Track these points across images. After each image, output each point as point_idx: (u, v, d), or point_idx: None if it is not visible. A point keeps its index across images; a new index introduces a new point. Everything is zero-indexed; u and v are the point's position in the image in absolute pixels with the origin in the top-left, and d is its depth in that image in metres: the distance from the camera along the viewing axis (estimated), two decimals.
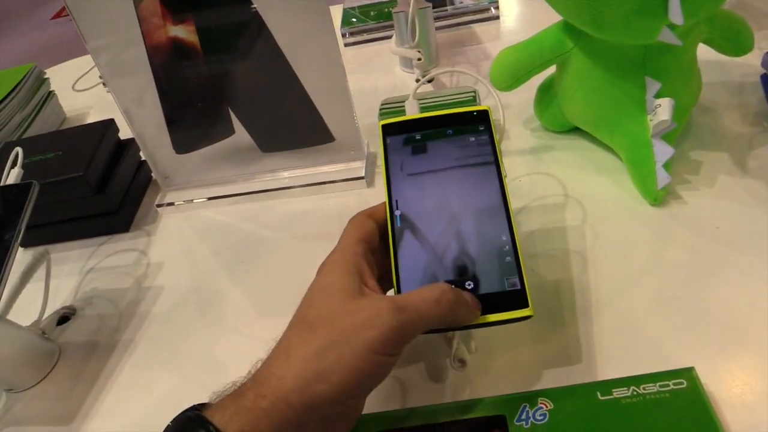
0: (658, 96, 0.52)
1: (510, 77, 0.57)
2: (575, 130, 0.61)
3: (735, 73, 0.65)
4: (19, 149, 0.53)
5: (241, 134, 0.60)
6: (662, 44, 0.48)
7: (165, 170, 0.63)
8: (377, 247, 0.40)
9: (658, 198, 0.52)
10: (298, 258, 0.55)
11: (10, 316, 0.51)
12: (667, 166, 0.52)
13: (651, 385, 0.37)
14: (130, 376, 0.49)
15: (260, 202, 0.62)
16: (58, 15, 3.23)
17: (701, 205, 0.52)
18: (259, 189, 0.62)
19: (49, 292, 0.58)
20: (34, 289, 0.59)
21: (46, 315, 0.54)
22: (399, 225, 0.40)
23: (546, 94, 0.61)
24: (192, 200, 0.63)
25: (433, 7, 0.74)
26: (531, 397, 0.38)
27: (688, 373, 0.37)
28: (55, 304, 0.56)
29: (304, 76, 0.55)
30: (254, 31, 0.53)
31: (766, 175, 0.53)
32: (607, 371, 0.40)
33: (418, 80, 0.69)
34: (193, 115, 0.59)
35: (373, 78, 0.79)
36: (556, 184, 0.57)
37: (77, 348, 0.52)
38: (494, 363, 0.43)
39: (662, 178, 0.51)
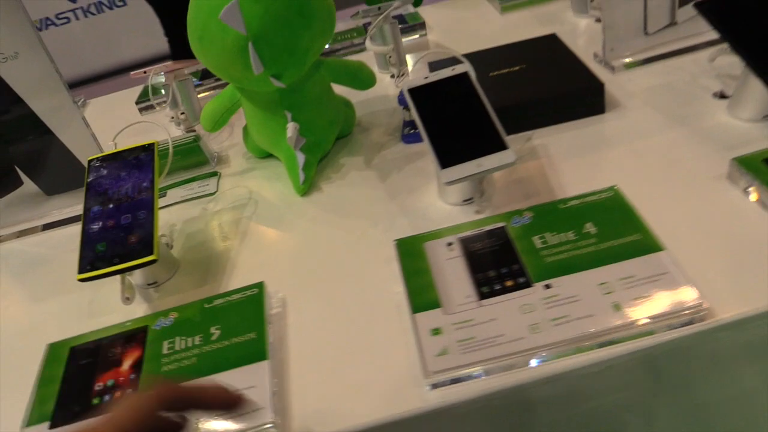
0: (295, 121, 0.76)
1: (210, 122, 0.82)
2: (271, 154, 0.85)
3: (390, 102, 0.91)
4: None
5: (28, 183, 0.83)
6: (290, 87, 0.73)
7: None
8: None
9: (301, 191, 0.76)
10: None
11: None
12: (307, 168, 0.76)
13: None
14: None
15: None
16: None
17: (334, 193, 0.76)
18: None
19: None
20: None
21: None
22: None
23: (246, 131, 0.86)
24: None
25: None
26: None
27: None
28: None
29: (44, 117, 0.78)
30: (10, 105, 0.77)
31: (391, 167, 0.77)
32: None
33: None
34: None
35: None
36: (245, 191, 0.81)
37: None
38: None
39: (301, 177, 0.76)
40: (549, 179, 0.68)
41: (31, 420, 0.54)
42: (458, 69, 0.68)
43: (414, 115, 0.65)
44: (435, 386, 0.49)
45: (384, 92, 0.95)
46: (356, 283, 0.62)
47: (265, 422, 0.49)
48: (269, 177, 0.82)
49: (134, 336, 0.60)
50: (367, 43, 0.97)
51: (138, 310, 0.66)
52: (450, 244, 0.60)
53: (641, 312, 0.50)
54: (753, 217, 0.57)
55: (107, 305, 0.67)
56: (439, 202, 0.69)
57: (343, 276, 0.64)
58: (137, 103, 1.10)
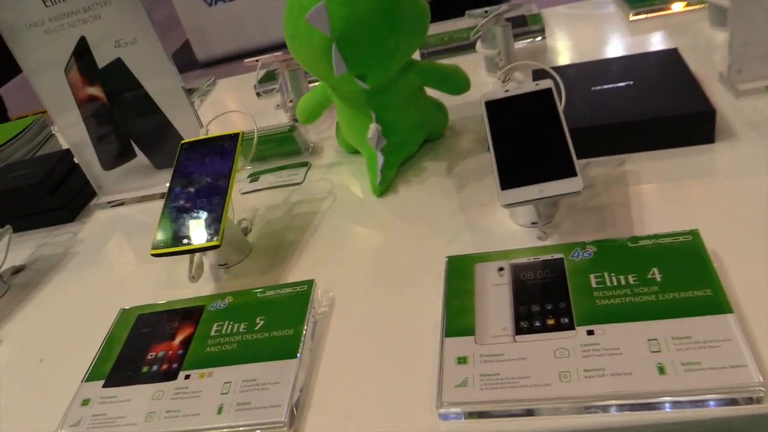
0: (379, 123, 0.76)
1: (304, 114, 0.84)
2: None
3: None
4: None
5: (141, 157, 0.91)
6: (377, 88, 0.74)
7: (98, 182, 0.94)
8: None
9: (377, 191, 0.77)
10: None
11: None
12: (387, 169, 0.76)
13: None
14: None
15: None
16: None
17: (409, 197, 0.76)
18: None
19: None
20: None
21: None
22: None
23: (338, 126, 0.87)
24: (118, 202, 0.94)
25: None
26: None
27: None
28: None
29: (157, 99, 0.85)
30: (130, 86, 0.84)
31: (471, 177, 0.75)
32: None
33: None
34: (109, 143, 0.91)
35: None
36: (329, 185, 0.82)
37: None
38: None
39: (378, 177, 0.76)
40: (631, 210, 0.63)
41: (91, 376, 0.60)
42: (542, 84, 0.64)
43: (487, 129, 0.63)
44: (446, 418, 0.48)
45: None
46: (403, 293, 0.61)
47: (277, 420, 0.50)
48: (354, 173, 0.83)
49: (191, 313, 0.64)
50: (477, 44, 0.95)
51: (205, 288, 0.70)
52: (501, 269, 0.57)
53: (687, 381, 0.44)
54: None
55: (182, 279, 0.72)
56: (508, 220, 0.66)
57: (393, 284, 0.63)
58: (256, 87, 1.16)
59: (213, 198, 0.68)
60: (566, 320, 0.51)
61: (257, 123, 0.76)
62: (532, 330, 0.51)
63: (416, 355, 0.54)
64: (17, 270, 0.86)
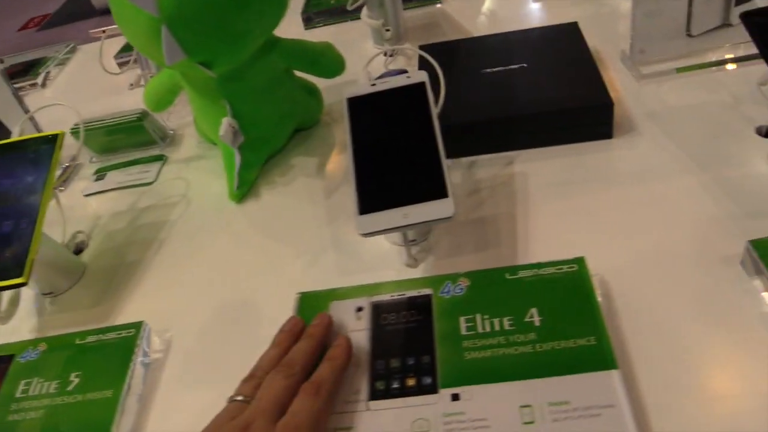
0: (236, 115, 0.65)
1: (153, 102, 0.71)
2: None
3: None
4: None
5: None
6: (230, 74, 0.62)
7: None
8: None
9: (235, 197, 0.65)
10: None
11: None
12: (246, 170, 0.65)
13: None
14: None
15: None
16: (24, 27, 3.28)
17: (270, 203, 0.65)
18: None
19: None
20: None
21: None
22: None
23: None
24: None
25: None
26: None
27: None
28: None
29: None
30: None
31: (345, 176, 0.65)
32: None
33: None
34: None
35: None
36: (183, 186, 0.70)
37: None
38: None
39: (235, 182, 0.65)
40: (517, 225, 0.54)
41: None
42: (414, 77, 0.54)
43: (347, 134, 0.52)
44: None
45: (377, 72, 0.81)
46: (249, 333, 0.51)
47: None
48: (215, 170, 0.71)
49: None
50: (363, 11, 0.83)
51: (24, 325, 0.58)
52: (360, 309, 0.48)
53: None
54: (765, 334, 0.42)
55: None
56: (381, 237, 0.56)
57: (239, 321, 0.53)
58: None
59: (21, 220, 0.55)
60: (429, 380, 0.42)
61: (116, 104, 0.62)
62: (388, 394, 0.42)
63: None
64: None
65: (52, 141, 0.59)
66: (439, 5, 0.93)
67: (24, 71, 1.04)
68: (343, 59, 0.70)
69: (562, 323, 0.44)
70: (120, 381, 0.48)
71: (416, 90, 0.53)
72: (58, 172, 0.76)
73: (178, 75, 0.67)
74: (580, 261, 0.47)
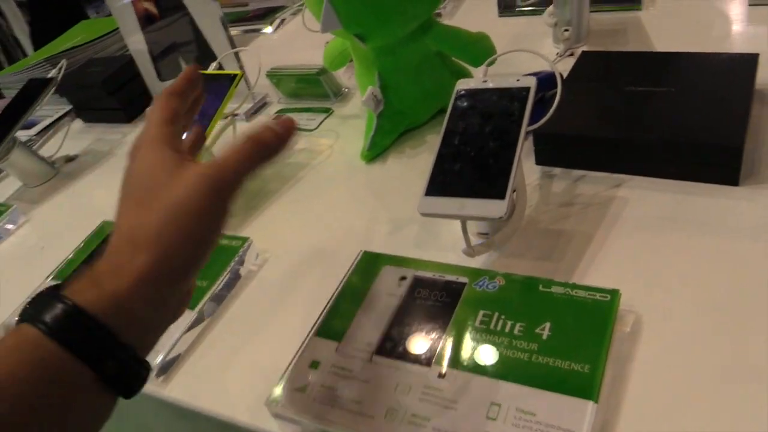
0: (383, 86, 0.72)
1: (328, 61, 0.81)
2: None
3: None
4: None
5: None
6: (384, 49, 0.70)
7: (155, 90, 1.00)
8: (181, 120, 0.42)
9: (365, 157, 0.74)
10: None
11: None
12: (380, 136, 0.73)
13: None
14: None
15: None
16: None
17: (392, 170, 0.72)
18: None
19: None
20: None
21: None
22: None
23: None
24: None
25: None
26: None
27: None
28: None
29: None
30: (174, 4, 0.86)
31: None
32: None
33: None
34: (163, 55, 0.95)
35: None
36: (332, 138, 0.81)
37: None
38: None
39: (368, 143, 0.73)
40: (589, 245, 0.54)
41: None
42: (523, 82, 0.56)
43: (444, 120, 0.57)
44: (276, 416, 0.47)
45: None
46: (319, 278, 0.60)
47: None
48: (362, 132, 0.80)
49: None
50: (547, 10, 0.84)
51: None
52: (403, 278, 0.53)
53: None
54: None
55: None
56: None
57: (315, 263, 0.62)
58: None
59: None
60: (427, 354, 0.47)
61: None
62: (392, 354, 0.48)
63: (284, 343, 0.53)
64: (70, 159, 0.97)
65: (232, 79, 0.73)
66: (639, 11, 0.89)
67: (263, 15, 1.22)
68: (493, 50, 0.72)
69: (566, 344, 0.44)
70: None
71: (521, 93, 0.55)
72: (248, 105, 0.92)
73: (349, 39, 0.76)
74: (614, 293, 0.47)
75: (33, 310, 0.33)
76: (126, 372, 0.34)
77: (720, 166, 0.56)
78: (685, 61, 0.68)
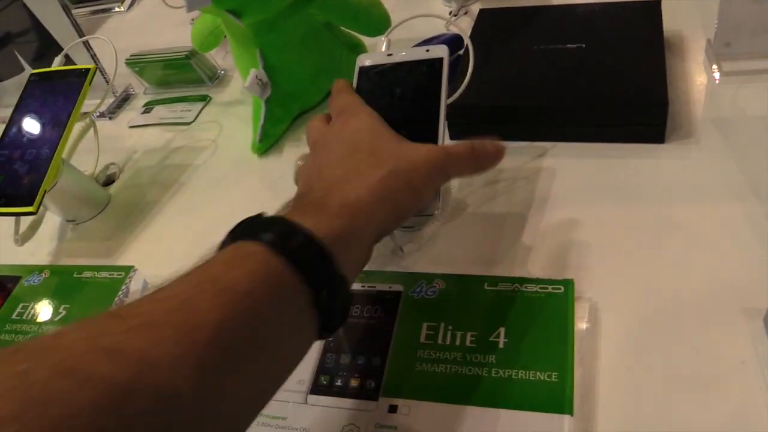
0: (268, 67, 0.63)
1: (197, 42, 0.70)
2: None
3: None
4: None
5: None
6: (263, 24, 0.60)
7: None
8: None
9: (256, 149, 0.64)
10: None
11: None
12: (271, 124, 0.64)
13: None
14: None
15: None
16: None
17: (289, 161, 0.63)
18: None
19: None
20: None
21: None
22: None
23: None
24: None
25: None
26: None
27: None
28: None
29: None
30: None
31: None
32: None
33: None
34: None
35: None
36: (216, 131, 0.70)
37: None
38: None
39: (258, 134, 0.63)
40: (524, 228, 0.49)
41: None
42: (433, 52, 0.49)
43: None
44: None
45: (437, 32, 0.75)
46: None
47: None
48: (249, 119, 0.70)
49: (4, 284, 0.56)
50: None
51: (43, 248, 0.61)
52: None
53: None
54: None
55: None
56: None
57: None
58: None
59: (42, 149, 0.57)
60: (372, 384, 0.40)
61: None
62: (330, 390, 0.41)
63: None
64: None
65: (83, 74, 0.60)
66: None
67: None
68: (387, 17, 0.65)
69: (527, 351, 0.39)
70: None
71: (432, 66, 0.48)
72: (110, 100, 0.79)
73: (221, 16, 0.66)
74: (568, 284, 0.42)
75: (252, 229, 0.32)
76: (334, 305, 0.32)
77: (645, 125, 0.53)
78: (588, 14, 0.64)
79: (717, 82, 0.57)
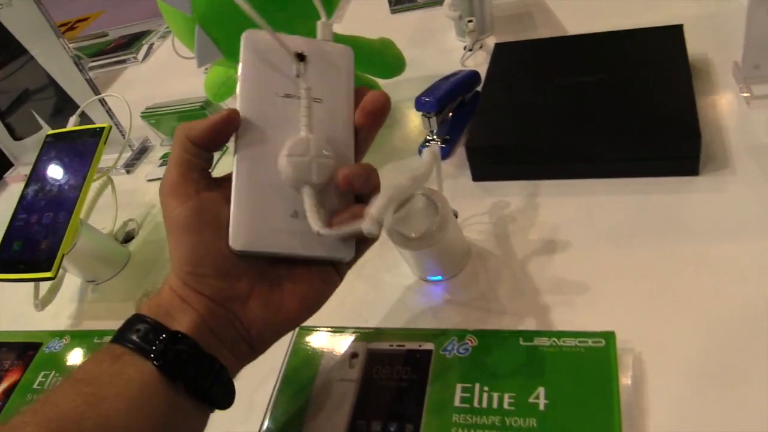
0: None
1: (211, 91, 0.70)
2: None
3: None
4: None
5: (46, 128, 0.80)
6: None
7: (11, 152, 0.83)
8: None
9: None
10: None
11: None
12: None
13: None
14: None
15: None
16: None
17: None
18: None
19: None
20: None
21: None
22: None
23: None
24: None
25: None
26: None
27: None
28: None
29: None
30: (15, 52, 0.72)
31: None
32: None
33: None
34: (12, 112, 0.80)
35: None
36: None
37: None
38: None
39: None
40: (556, 271, 0.47)
41: None
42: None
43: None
44: None
45: (452, 68, 0.74)
46: None
47: None
48: None
49: (26, 352, 0.55)
50: (445, 1, 0.76)
51: (64, 311, 0.61)
52: (354, 356, 0.44)
53: None
54: None
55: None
56: (405, 266, 0.52)
57: None
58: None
59: (59, 213, 0.57)
60: None
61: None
62: None
63: None
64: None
65: (98, 134, 0.60)
66: None
67: (128, 44, 1.08)
68: (402, 58, 0.64)
69: (570, 413, 0.37)
70: None
71: None
72: (127, 154, 0.79)
73: (233, 67, 0.65)
74: (609, 336, 0.39)
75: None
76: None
77: (677, 157, 0.51)
78: (607, 43, 0.62)
79: (748, 106, 0.55)
